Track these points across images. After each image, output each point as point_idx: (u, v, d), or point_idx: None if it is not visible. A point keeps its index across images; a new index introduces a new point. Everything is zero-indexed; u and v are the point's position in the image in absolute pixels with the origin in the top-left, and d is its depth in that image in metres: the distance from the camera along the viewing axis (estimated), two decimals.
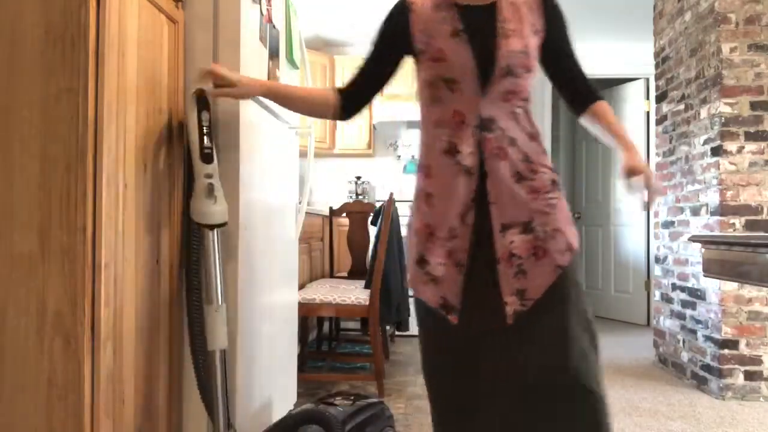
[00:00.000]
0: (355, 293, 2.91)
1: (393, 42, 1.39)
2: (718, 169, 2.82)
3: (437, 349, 1.39)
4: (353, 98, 1.48)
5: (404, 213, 4.31)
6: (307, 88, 1.51)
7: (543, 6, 1.35)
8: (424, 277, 1.33)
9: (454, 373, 1.34)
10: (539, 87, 4.99)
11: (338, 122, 4.73)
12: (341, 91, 1.47)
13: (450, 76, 1.28)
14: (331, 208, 3.87)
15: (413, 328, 4.21)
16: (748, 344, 2.78)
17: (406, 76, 4.69)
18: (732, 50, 2.83)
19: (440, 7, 1.31)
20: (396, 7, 1.39)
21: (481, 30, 1.27)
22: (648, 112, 4.90)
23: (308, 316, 3.25)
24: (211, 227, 1.44)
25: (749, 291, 2.79)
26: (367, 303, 2.84)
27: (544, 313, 1.28)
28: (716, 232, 2.80)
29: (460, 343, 1.32)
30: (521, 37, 1.28)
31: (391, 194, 3.04)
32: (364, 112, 5.06)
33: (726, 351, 2.78)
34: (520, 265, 1.28)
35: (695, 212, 3.07)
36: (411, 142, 5.05)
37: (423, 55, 1.32)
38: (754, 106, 2.82)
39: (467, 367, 1.31)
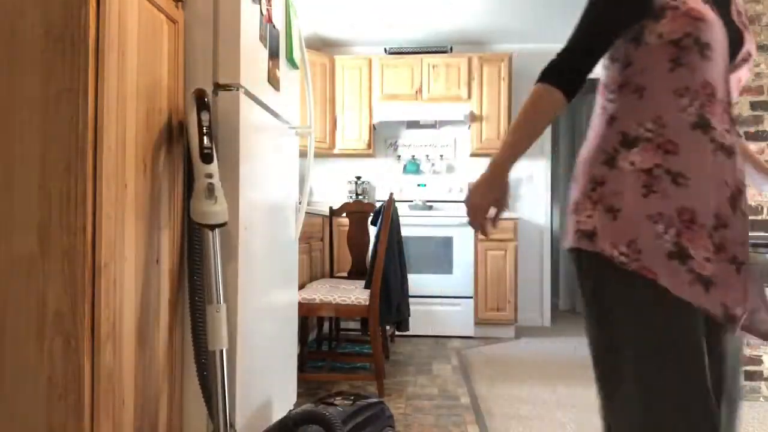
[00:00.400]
0: (355, 293, 2.91)
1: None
2: None
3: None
4: (580, 85, 1.20)
5: (404, 213, 4.33)
6: (544, 122, 1.22)
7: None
8: (686, 275, 1.06)
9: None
10: None
11: (338, 122, 4.76)
12: (567, 85, 1.19)
13: (706, 40, 1.10)
14: (331, 208, 3.87)
15: (413, 328, 4.23)
16: (747, 344, 2.78)
17: (406, 76, 4.70)
18: None
19: None
20: None
21: (721, 6, 1.16)
22: None
23: (308, 317, 3.25)
24: (211, 227, 1.44)
25: None
26: (367, 303, 2.84)
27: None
28: None
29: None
30: (749, 32, 1.21)
31: (391, 194, 3.04)
32: (365, 111, 5.06)
33: None
34: None
35: None
36: (411, 142, 5.05)
37: (671, 10, 1.10)
38: (754, 106, 2.82)
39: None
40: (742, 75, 1.21)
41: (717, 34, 1.11)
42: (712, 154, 1.09)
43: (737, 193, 1.10)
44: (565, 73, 1.17)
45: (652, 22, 1.12)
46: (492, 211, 1.22)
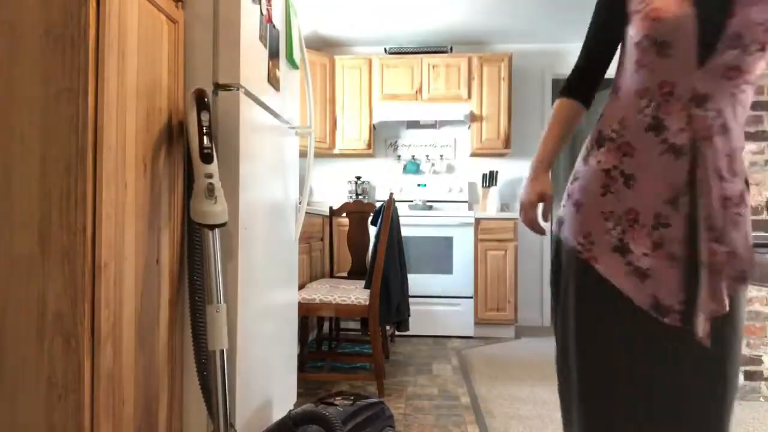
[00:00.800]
0: (355, 293, 2.91)
1: (612, 6, 1.23)
2: None
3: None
4: (590, 90, 1.34)
5: (404, 213, 4.33)
6: (561, 124, 1.34)
7: None
8: (624, 267, 1.17)
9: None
10: (539, 80, 5.00)
11: (338, 122, 4.76)
12: (577, 95, 1.33)
13: (664, 39, 1.11)
14: (331, 208, 3.87)
15: (413, 328, 4.23)
16: (748, 344, 2.78)
17: (406, 76, 4.70)
18: None
19: None
20: None
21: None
22: None
23: (308, 317, 3.25)
24: (211, 227, 1.44)
25: (749, 291, 2.79)
26: (367, 303, 2.84)
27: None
28: None
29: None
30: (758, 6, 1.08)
31: (391, 194, 3.04)
32: (365, 111, 5.06)
33: None
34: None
35: None
36: (411, 142, 5.05)
37: (637, 14, 1.16)
38: (754, 106, 2.82)
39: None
40: (740, 61, 1.09)
41: (681, 29, 1.10)
42: (659, 156, 1.15)
43: (680, 194, 1.14)
44: (573, 86, 1.33)
45: (628, 26, 1.20)
46: (540, 207, 1.34)
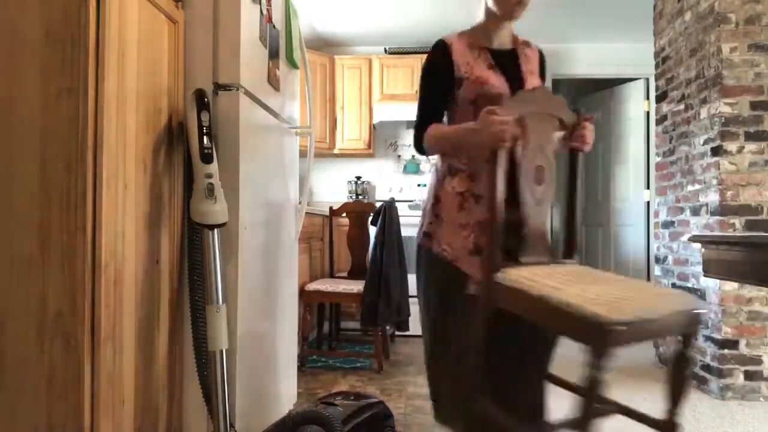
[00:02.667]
0: (355, 288, 2.91)
1: (442, 73, 1.65)
2: (718, 169, 2.82)
3: None
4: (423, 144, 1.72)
5: (404, 213, 4.32)
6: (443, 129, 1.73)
7: (540, 60, 1.84)
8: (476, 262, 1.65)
9: None
10: None
11: (338, 122, 4.76)
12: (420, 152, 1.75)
13: (492, 94, 1.58)
14: (331, 208, 3.87)
15: (413, 328, 4.22)
16: (748, 344, 2.78)
17: (406, 77, 4.70)
18: (732, 50, 2.83)
19: (473, 47, 1.68)
20: (437, 47, 1.68)
21: (508, 67, 1.69)
22: (648, 112, 4.90)
23: (309, 317, 3.25)
24: (211, 227, 1.44)
25: (749, 291, 2.79)
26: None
27: None
28: (716, 232, 2.80)
29: None
30: (535, 77, 1.74)
31: (392, 199, 3.03)
32: (365, 111, 5.04)
33: (726, 351, 2.78)
34: None
35: (695, 212, 3.07)
36: (411, 142, 5.05)
37: (467, 80, 1.62)
38: (754, 106, 2.82)
39: None
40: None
41: (500, 88, 1.62)
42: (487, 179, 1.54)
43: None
44: (415, 144, 1.71)
45: (456, 89, 1.64)
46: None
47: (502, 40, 1.75)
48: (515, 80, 1.66)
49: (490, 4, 1.70)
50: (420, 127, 1.67)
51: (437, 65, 1.66)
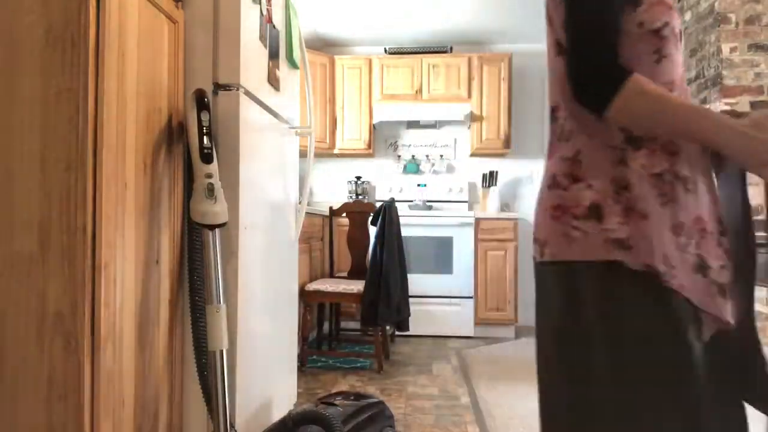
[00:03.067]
0: (356, 288, 2.91)
1: None
2: None
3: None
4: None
5: (404, 213, 4.33)
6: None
7: None
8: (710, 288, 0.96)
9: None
10: (539, 80, 5.00)
11: (338, 122, 4.76)
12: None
13: (678, 30, 1.03)
14: (331, 208, 3.87)
15: (413, 328, 4.23)
16: None
17: (406, 77, 4.70)
18: (732, 50, 2.83)
19: None
20: None
21: None
22: None
23: (309, 317, 3.25)
24: (211, 227, 1.44)
25: (759, 293, 2.78)
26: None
27: None
28: None
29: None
30: None
31: (392, 199, 3.04)
32: (365, 111, 5.05)
33: None
34: None
35: None
36: (411, 142, 5.05)
37: None
38: (754, 106, 2.82)
39: None
40: None
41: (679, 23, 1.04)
42: (703, 151, 1.00)
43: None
44: (592, 78, 0.95)
45: (631, 8, 0.98)
46: None
47: None
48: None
49: None
50: (606, 51, 0.93)
51: None
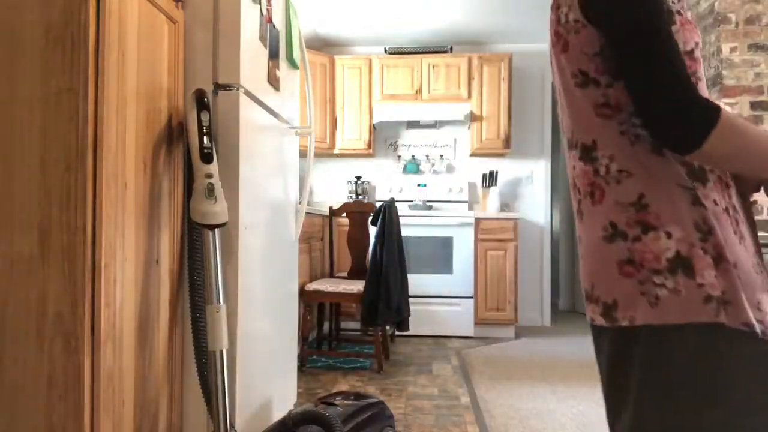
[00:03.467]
0: (356, 288, 2.91)
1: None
2: None
3: None
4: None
5: (404, 213, 4.33)
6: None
7: None
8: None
9: None
10: (539, 80, 5.00)
11: (338, 122, 4.76)
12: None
13: (701, 54, 0.94)
14: (331, 208, 3.87)
15: (413, 328, 4.23)
16: None
17: (406, 76, 4.70)
18: (732, 50, 2.83)
19: None
20: None
21: None
22: None
23: (309, 317, 3.25)
24: (211, 227, 1.44)
25: None
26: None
27: None
28: None
29: None
30: None
31: (392, 199, 3.04)
32: (365, 111, 5.05)
33: None
34: None
35: None
36: (411, 142, 5.05)
37: (678, 15, 0.93)
38: (754, 106, 2.82)
39: None
40: None
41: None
42: (727, 185, 0.93)
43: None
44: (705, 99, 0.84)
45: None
46: None
47: None
48: None
49: None
50: (689, 84, 0.82)
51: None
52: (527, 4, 4.17)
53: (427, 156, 5.04)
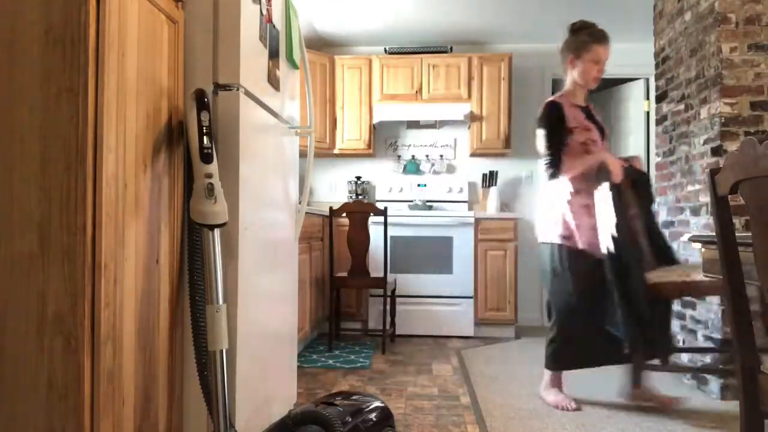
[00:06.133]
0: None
1: (561, 125, 2.62)
2: None
3: None
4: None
5: (404, 213, 4.32)
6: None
7: None
8: None
9: None
10: (539, 80, 4.99)
11: (338, 122, 4.76)
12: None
13: (594, 139, 2.68)
14: (331, 208, 3.87)
15: (414, 328, 4.21)
16: None
17: (406, 77, 4.70)
18: (732, 50, 2.83)
19: (572, 106, 2.69)
20: (555, 108, 2.66)
21: (591, 118, 2.74)
22: (648, 112, 4.90)
23: (308, 315, 3.24)
24: (211, 227, 1.44)
25: (749, 291, 2.78)
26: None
27: None
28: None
29: None
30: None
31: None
32: (365, 111, 5.06)
33: (726, 351, 2.78)
34: None
35: (695, 212, 3.07)
36: (411, 142, 5.05)
37: (576, 128, 2.64)
38: (754, 106, 2.82)
39: None
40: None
41: (596, 133, 2.72)
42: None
43: None
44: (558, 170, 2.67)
45: (568, 136, 2.64)
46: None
47: (582, 99, 2.78)
48: (600, 128, 2.74)
49: (577, 78, 2.73)
50: (554, 160, 2.63)
51: (557, 118, 2.63)
52: (527, 4, 4.17)
53: (427, 156, 5.04)
